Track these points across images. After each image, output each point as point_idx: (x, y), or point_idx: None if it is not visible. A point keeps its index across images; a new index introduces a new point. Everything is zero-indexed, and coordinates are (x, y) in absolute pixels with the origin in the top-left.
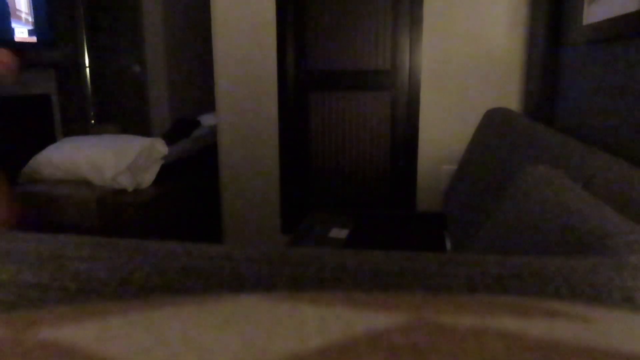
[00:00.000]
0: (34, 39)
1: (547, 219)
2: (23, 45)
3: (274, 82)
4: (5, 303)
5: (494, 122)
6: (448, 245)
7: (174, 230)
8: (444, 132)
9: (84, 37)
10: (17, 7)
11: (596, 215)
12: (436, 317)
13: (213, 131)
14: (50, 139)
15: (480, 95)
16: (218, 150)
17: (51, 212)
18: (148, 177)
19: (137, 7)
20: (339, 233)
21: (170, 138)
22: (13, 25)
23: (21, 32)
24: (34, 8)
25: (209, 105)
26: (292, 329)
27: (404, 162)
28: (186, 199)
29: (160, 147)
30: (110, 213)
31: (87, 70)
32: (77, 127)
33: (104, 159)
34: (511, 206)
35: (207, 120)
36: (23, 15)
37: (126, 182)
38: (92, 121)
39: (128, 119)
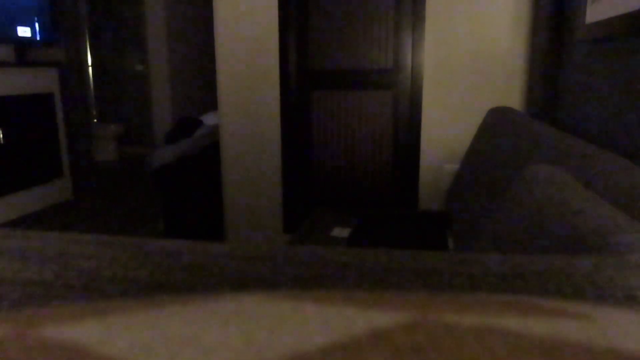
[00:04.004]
0: (37, 38)
1: (550, 218)
2: (26, 43)
3: (276, 81)
4: (9, 300)
5: (497, 121)
6: (450, 244)
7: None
8: (446, 131)
9: (87, 36)
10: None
11: (598, 214)
12: (439, 316)
13: (215, 130)
14: (53, 138)
15: (483, 94)
16: (220, 149)
17: None
18: None
19: (140, 7)
20: (341, 232)
21: (172, 137)
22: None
23: (24, 31)
24: (37, 7)
25: (211, 104)
26: (295, 327)
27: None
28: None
29: None
30: None
31: (90, 69)
32: (79, 126)
33: None
34: (513, 205)
35: (209, 119)
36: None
37: None
38: (95, 120)
39: (130, 117)
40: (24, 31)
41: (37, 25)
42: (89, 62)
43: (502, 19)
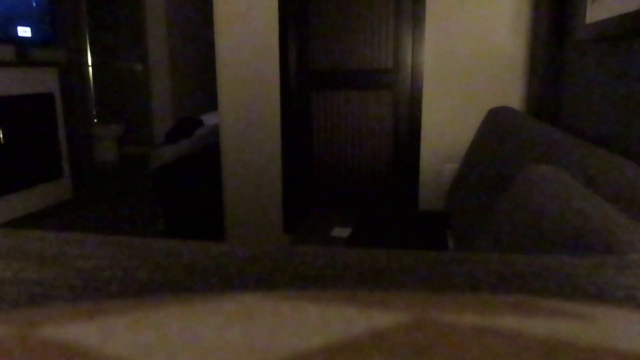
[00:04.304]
0: (37, 38)
1: (550, 218)
2: (26, 43)
3: (276, 81)
4: (9, 301)
5: (497, 120)
6: (450, 244)
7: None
8: (446, 130)
9: (87, 35)
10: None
11: (598, 213)
12: (438, 315)
13: (215, 130)
14: (53, 138)
15: (483, 94)
16: (220, 149)
17: None
18: None
19: (139, 6)
20: (341, 232)
21: (172, 137)
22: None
23: (24, 31)
24: (37, 7)
25: (211, 104)
26: (295, 327)
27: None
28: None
29: None
30: None
31: (90, 69)
32: (79, 126)
33: None
34: (514, 205)
35: (209, 119)
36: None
37: None
38: (95, 120)
39: (130, 117)
40: (24, 31)
41: (37, 25)
42: (89, 62)
43: (503, 18)
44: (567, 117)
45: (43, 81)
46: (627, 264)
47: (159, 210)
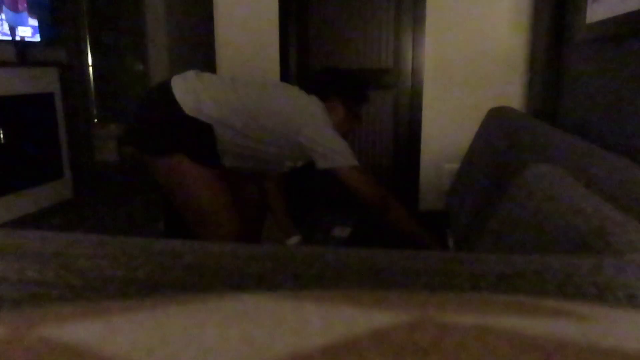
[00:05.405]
0: (37, 38)
1: (550, 218)
2: (26, 43)
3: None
4: (10, 300)
5: (497, 120)
6: (450, 243)
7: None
8: (446, 130)
9: (87, 35)
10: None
11: (599, 214)
12: (439, 315)
13: None
14: (53, 138)
15: (483, 94)
16: None
17: None
18: None
19: (139, 6)
20: (342, 232)
21: None
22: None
23: (24, 31)
24: (37, 7)
25: None
26: (295, 327)
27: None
28: None
29: None
30: None
31: (90, 69)
32: (79, 126)
33: None
34: (514, 205)
35: None
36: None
37: None
38: (95, 120)
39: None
40: (24, 31)
41: (37, 24)
42: (89, 62)
43: (502, 19)
44: (567, 117)
45: (43, 81)
46: (627, 264)
47: (159, 210)
